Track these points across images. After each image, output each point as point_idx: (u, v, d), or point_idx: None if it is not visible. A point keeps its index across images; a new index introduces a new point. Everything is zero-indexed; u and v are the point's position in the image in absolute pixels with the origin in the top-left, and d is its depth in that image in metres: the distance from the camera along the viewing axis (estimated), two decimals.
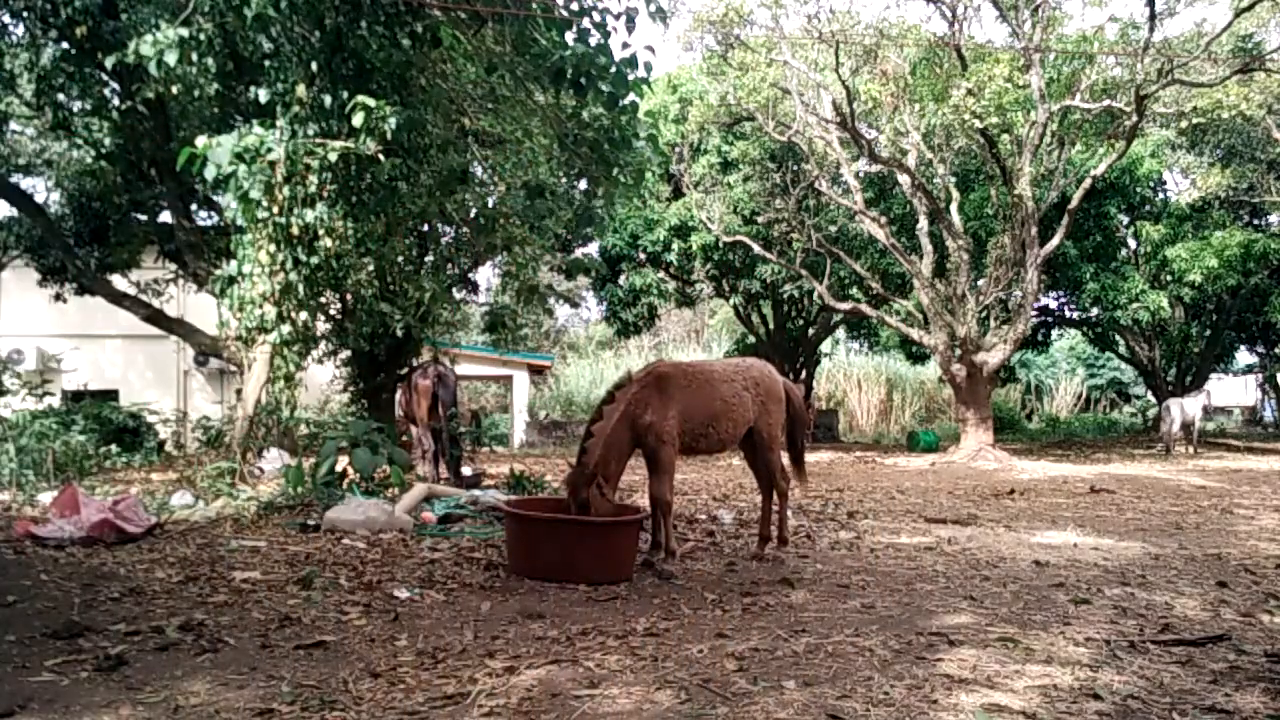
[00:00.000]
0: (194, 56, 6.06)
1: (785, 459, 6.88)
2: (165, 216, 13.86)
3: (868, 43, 16.13)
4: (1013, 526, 8.27)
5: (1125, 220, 20.27)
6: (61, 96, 9.66)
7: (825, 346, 28.00)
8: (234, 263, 6.31)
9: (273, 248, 6.08)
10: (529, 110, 8.25)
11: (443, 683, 3.59)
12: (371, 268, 9.34)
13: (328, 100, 6.40)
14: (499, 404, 28.86)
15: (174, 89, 6.31)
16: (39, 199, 14.62)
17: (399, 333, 11.67)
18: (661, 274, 21.40)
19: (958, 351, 16.32)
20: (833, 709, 3.27)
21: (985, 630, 4.44)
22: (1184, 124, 16.68)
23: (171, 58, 5.68)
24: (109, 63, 6.17)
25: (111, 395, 19.33)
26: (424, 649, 4.06)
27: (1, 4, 8.75)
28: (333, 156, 5.97)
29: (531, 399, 25.77)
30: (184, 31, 5.66)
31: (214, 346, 12.44)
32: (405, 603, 4.92)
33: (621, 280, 21.54)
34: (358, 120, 5.88)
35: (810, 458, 16.10)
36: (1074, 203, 15.51)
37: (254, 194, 5.92)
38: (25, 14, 8.64)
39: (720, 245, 19.17)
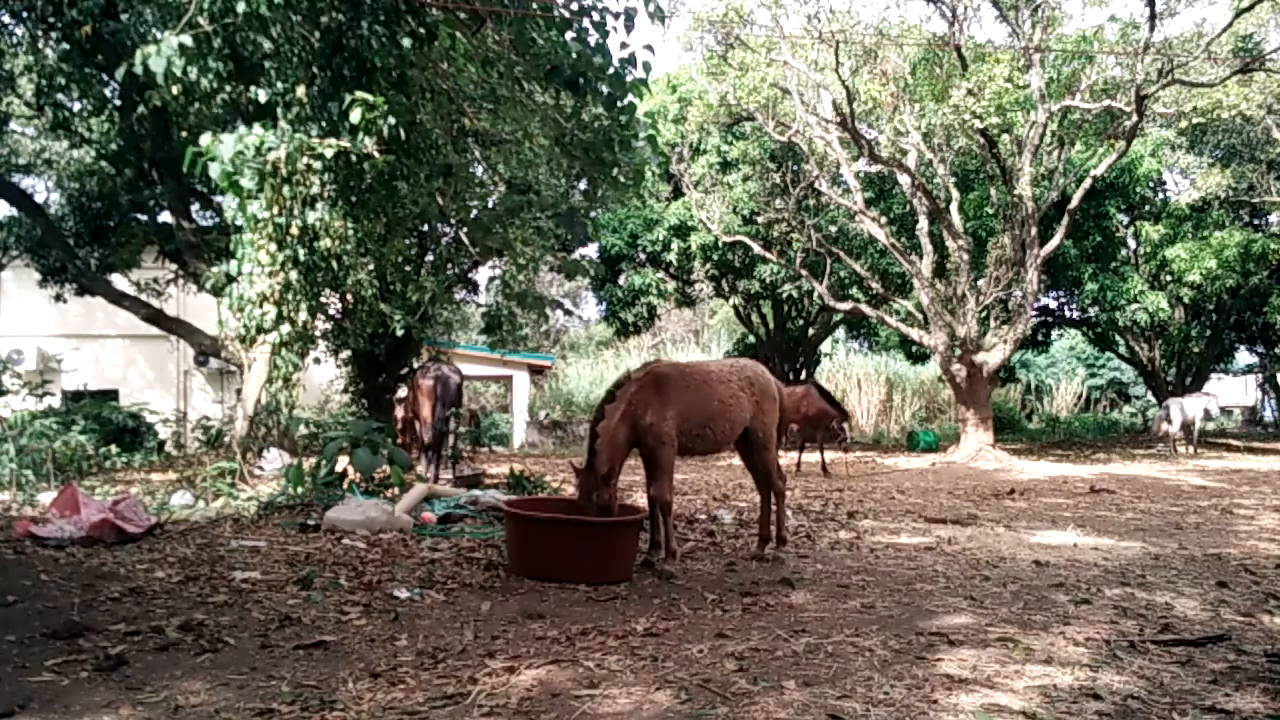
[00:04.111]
0: (202, 62, 6.07)
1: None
2: (165, 216, 13.87)
3: (868, 43, 16.12)
4: (1013, 526, 8.27)
5: (1125, 220, 20.27)
6: (62, 97, 9.65)
7: (825, 346, 27.98)
8: (233, 261, 6.31)
9: (273, 247, 6.08)
10: (528, 110, 8.24)
11: (443, 683, 3.59)
12: (371, 268, 9.34)
13: (328, 100, 6.40)
14: (499, 404, 28.85)
15: (174, 90, 6.30)
16: (39, 199, 14.63)
17: (399, 333, 11.66)
18: (661, 274, 21.39)
19: (958, 351, 16.31)
20: (833, 709, 3.27)
21: (985, 630, 4.44)
22: (1184, 124, 16.70)
23: (178, 66, 5.68)
24: (120, 78, 6.17)
25: (111, 395, 19.34)
26: (424, 649, 4.06)
27: (2, 4, 8.75)
28: (328, 154, 5.97)
29: (531, 399, 25.76)
30: (187, 39, 5.65)
31: (214, 346, 12.44)
32: (405, 603, 4.92)
33: (621, 280, 21.53)
34: (355, 117, 5.88)
35: (810, 457, 16.12)
36: (1074, 203, 15.51)
37: (252, 190, 5.92)
38: (26, 15, 8.63)
39: (720, 245, 19.17)
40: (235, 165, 5.85)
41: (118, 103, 10.21)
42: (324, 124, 6.32)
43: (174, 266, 15.30)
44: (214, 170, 5.92)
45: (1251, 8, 14.30)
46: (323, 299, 7.75)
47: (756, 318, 23.95)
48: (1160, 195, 21.03)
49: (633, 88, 6.55)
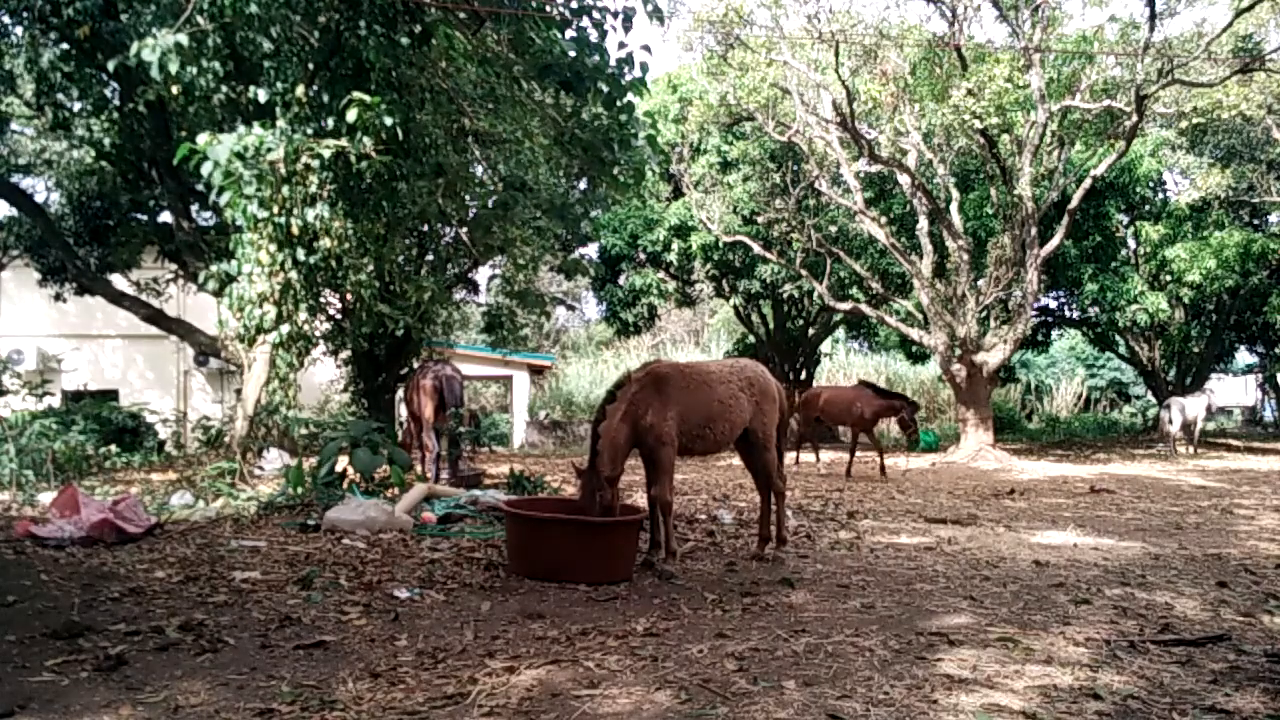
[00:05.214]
0: (201, 61, 6.07)
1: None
2: (165, 216, 13.87)
3: (868, 43, 16.12)
4: (1013, 526, 8.27)
5: (1125, 220, 20.28)
6: (61, 96, 9.65)
7: (825, 346, 27.96)
8: (233, 261, 6.31)
9: (273, 247, 6.08)
10: (528, 110, 8.25)
11: (443, 683, 3.59)
12: (371, 268, 9.33)
13: (327, 100, 6.40)
14: (499, 404, 28.86)
15: (174, 89, 6.30)
16: (39, 199, 14.61)
17: (399, 333, 11.65)
18: (661, 274, 21.39)
19: (958, 351, 16.31)
20: (833, 709, 3.27)
21: (985, 630, 4.44)
22: (1184, 124, 16.69)
23: (173, 65, 5.68)
24: (111, 67, 6.20)
25: (111, 395, 19.34)
26: (424, 649, 4.06)
27: (1, 4, 8.75)
28: (326, 154, 5.97)
29: (531, 399, 25.77)
30: (183, 38, 5.66)
31: (214, 346, 12.44)
32: (405, 603, 4.92)
33: (621, 280, 21.53)
34: (352, 116, 5.88)
35: (808, 456, 16.13)
36: (1074, 203, 15.51)
37: (251, 192, 5.92)
38: (25, 14, 8.63)
39: (720, 245, 19.17)
40: (231, 165, 5.85)
41: (118, 103, 10.21)
42: (323, 123, 6.33)
43: (174, 266, 15.30)
44: (207, 169, 5.93)
45: (1251, 8, 14.30)
46: (322, 299, 7.75)
47: (756, 318, 23.94)
48: (1160, 195, 21.02)
49: (631, 87, 6.55)
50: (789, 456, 15.13)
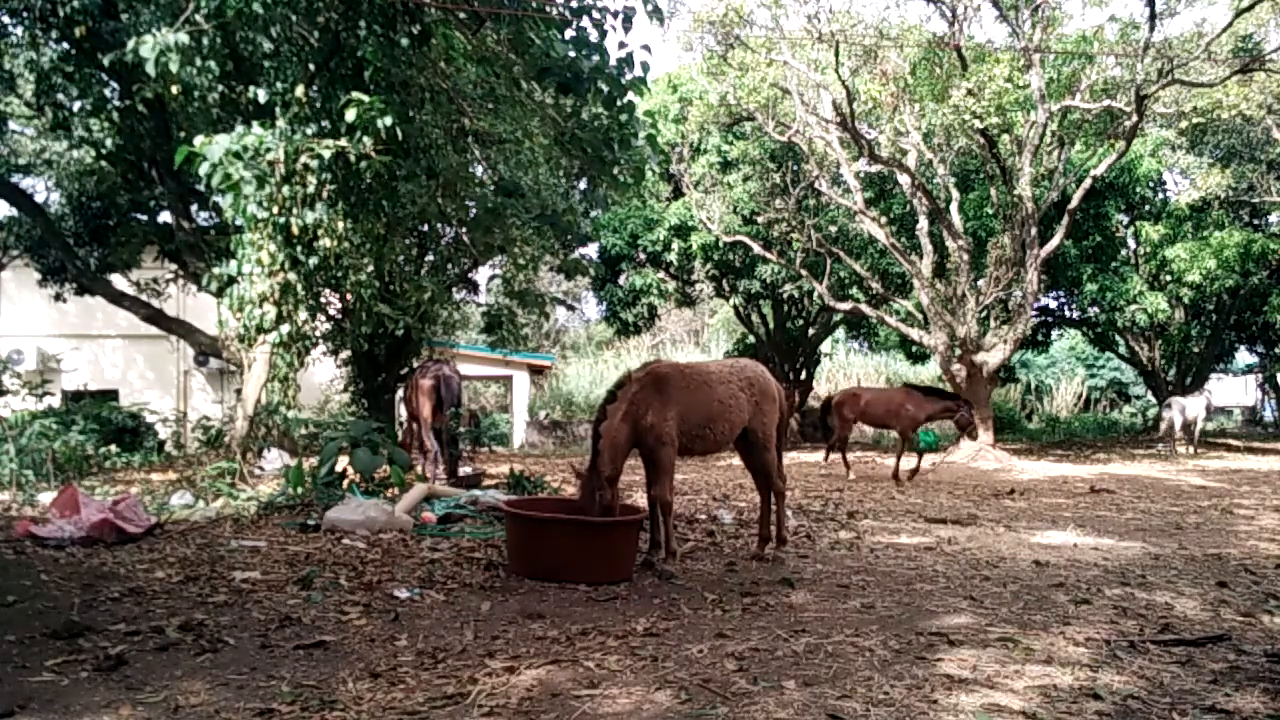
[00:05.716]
0: (196, 60, 6.08)
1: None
2: (165, 216, 13.88)
3: (868, 43, 16.13)
4: (1013, 526, 8.27)
5: (1125, 220, 20.28)
6: (61, 96, 9.66)
7: (825, 346, 27.96)
8: (233, 262, 6.32)
9: (272, 248, 6.08)
10: (528, 110, 8.24)
11: (443, 683, 3.59)
12: (371, 268, 9.35)
13: (325, 100, 6.40)
14: (499, 404, 28.86)
15: (174, 89, 6.30)
16: (39, 199, 14.63)
17: (399, 333, 11.65)
18: (661, 274, 21.38)
19: (958, 351, 16.31)
20: (833, 709, 3.27)
21: (985, 630, 4.44)
22: (1184, 124, 16.69)
23: (174, 64, 5.68)
24: (106, 61, 6.21)
25: (111, 395, 19.34)
26: (424, 649, 4.06)
27: (1, 4, 8.75)
28: (326, 154, 5.97)
29: (531, 399, 25.77)
30: (184, 37, 5.66)
31: (214, 346, 12.45)
32: (405, 603, 4.92)
33: (621, 280, 21.53)
34: (350, 115, 5.88)
35: (810, 457, 16.13)
36: (1074, 203, 15.51)
37: (250, 192, 5.92)
38: (24, 14, 8.64)
39: (720, 245, 19.17)
40: (228, 165, 5.84)
41: (117, 102, 10.22)
42: (322, 124, 6.33)
43: (174, 266, 15.31)
44: (204, 170, 5.93)
45: (1251, 8, 14.29)
46: (323, 299, 7.75)
47: (756, 318, 23.94)
48: (1160, 195, 21.02)
49: (631, 86, 6.55)
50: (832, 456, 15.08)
